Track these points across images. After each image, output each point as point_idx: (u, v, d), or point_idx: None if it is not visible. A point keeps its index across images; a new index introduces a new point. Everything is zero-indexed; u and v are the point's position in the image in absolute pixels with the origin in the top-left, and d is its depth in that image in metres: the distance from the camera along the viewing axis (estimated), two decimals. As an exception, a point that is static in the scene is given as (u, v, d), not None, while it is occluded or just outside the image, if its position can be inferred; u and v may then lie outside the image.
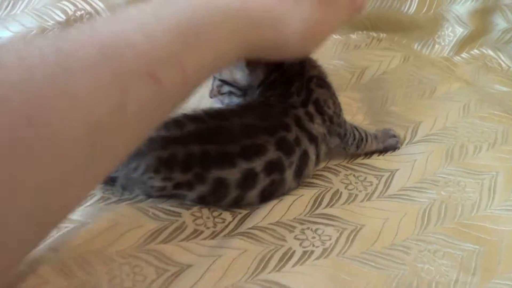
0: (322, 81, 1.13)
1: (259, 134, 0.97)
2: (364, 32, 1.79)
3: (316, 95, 1.08)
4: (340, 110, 1.14)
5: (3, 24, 1.52)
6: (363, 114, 1.38)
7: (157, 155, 0.93)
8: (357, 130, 1.18)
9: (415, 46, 1.81)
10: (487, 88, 1.62)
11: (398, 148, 1.23)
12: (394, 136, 1.24)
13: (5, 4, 1.54)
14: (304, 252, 0.91)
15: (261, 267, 0.87)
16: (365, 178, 1.14)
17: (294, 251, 0.91)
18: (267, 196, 1.00)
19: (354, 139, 1.16)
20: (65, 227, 0.89)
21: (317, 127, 1.05)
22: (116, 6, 1.59)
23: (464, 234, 1.00)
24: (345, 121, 1.15)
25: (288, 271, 0.87)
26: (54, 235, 0.87)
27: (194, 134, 0.95)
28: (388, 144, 1.22)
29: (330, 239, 0.95)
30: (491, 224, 1.03)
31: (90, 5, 1.58)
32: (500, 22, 1.85)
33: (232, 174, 0.94)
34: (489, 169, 1.17)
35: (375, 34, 1.79)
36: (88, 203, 0.96)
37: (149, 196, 0.98)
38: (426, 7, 1.80)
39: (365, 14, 1.73)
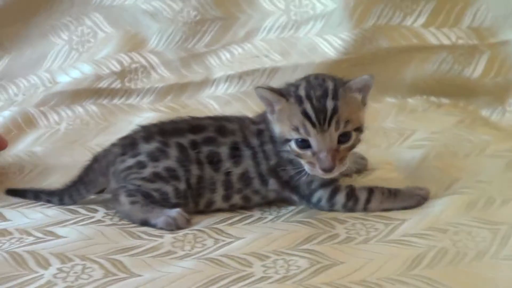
0: None
1: None
2: (424, 96, 1.71)
3: None
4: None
5: (64, 71, 1.66)
6: (401, 169, 1.33)
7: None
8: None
9: (483, 113, 1.67)
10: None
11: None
12: (419, 195, 1.15)
13: (72, 54, 1.68)
14: (263, 277, 0.93)
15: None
16: (373, 225, 1.08)
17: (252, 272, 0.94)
18: None
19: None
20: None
21: None
22: (170, 62, 1.67)
23: (454, 279, 0.88)
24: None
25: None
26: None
27: None
28: (407, 204, 1.14)
29: (297, 269, 0.94)
30: (490, 272, 0.90)
31: (145, 59, 1.67)
32: None
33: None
34: (509, 219, 1.04)
35: (435, 99, 1.70)
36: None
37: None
38: (493, 72, 1.68)
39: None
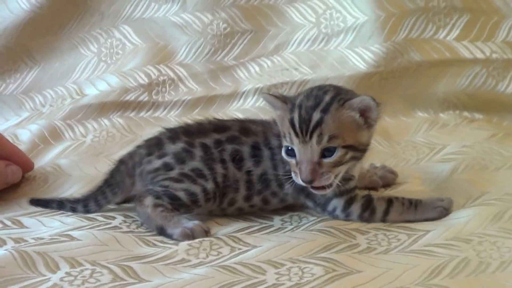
0: None
1: None
2: (457, 112, 1.66)
3: None
4: None
5: (92, 82, 1.67)
6: (429, 182, 1.30)
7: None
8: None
9: (518, 129, 1.62)
10: None
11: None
12: (441, 206, 1.12)
13: (100, 66, 1.69)
14: (275, 284, 0.92)
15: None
16: (395, 236, 1.06)
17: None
18: None
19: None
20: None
21: None
22: (199, 74, 1.67)
23: None
24: None
25: None
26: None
27: None
28: (428, 216, 1.11)
29: (311, 276, 0.92)
30: None
31: (173, 71, 1.67)
32: None
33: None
34: None
35: (468, 114, 1.66)
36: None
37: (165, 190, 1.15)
38: (528, 87, 1.63)
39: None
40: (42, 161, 1.50)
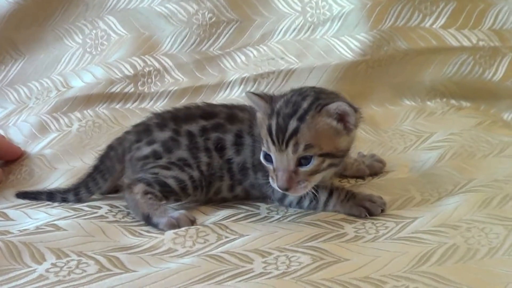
0: None
1: None
2: (444, 100, 1.65)
3: None
4: None
5: (77, 74, 1.64)
6: (416, 170, 1.30)
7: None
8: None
9: (505, 117, 1.61)
10: None
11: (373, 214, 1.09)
12: (365, 207, 1.09)
13: (85, 57, 1.66)
14: (262, 273, 0.90)
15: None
16: (383, 224, 1.04)
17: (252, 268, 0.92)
18: None
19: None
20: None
21: None
22: (185, 65, 1.65)
23: (463, 276, 0.84)
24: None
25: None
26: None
27: None
28: (353, 212, 1.09)
29: (298, 265, 0.91)
30: (502, 268, 0.86)
31: (159, 62, 1.65)
32: None
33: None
34: None
35: (455, 102, 1.65)
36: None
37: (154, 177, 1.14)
38: (516, 74, 1.62)
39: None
40: (29, 153, 1.48)
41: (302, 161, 1.02)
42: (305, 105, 1.03)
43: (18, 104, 1.66)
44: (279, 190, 1.05)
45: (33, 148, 1.50)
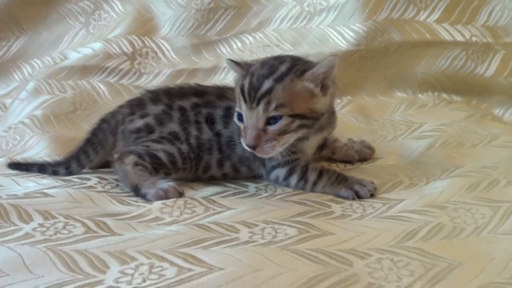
0: None
1: None
2: (435, 93, 1.64)
3: None
4: None
5: (78, 51, 1.63)
6: (405, 157, 1.28)
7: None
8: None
9: (496, 112, 1.60)
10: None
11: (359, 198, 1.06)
12: (354, 190, 1.07)
13: (88, 38, 1.66)
14: (247, 241, 0.88)
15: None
16: (371, 204, 1.02)
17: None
18: None
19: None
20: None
21: None
22: (181, 48, 1.64)
23: (447, 251, 0.82)
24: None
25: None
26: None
27: None
28: (341, 194, 1.07)
29: (285, 236, 0.89)
30: (487, 245, 0.84)
31: (157, 44, 1.64)
32: None
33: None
34: None
35: (446, 96, 1.64)
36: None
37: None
38: (508, 71, 1.60)
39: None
40: (21, 114, 1.47)
41: (271, 120, 1.01)
42: (283, 68, 1.03)
43: (20, 82, 1.65)
44: (247, 148, 1.03)
45: (24, 107, 1.48)
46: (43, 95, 1.52)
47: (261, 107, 1.00)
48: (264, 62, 1.06)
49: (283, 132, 1.02)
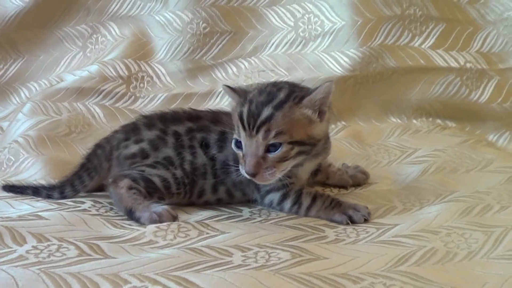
0: None
1: None
2: (430, 119, 1.65)
3: None
4: None
5: (74, 74, 1.64)
6: (398, 182, 1.28)
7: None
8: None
9: (490, 138, 1.61)
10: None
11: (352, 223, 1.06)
12: (348, 215, 1.07)
13: (85, 62, 1.68)
14: (240, 265, 0.89)
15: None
16: (364, 229, 1.03)
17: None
18: None
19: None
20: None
21: None
22: (177, 73, 1.65)
23: (440, 275, 0.83)
24: None
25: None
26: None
27: None
28: (335, 219, 1.07)
29: (278, 260, 0.89)
30: (479, 270, 0.84)
31: (153, 69, 1.65)
32: None
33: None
34: (506, 223, 0.98)
35: (441, 122, 1.65)
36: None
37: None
38: (501, 97, 1.62)
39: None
40: (15, 134, 1.47)
41: (270, 148, 1.02)
42: (281, 95, 1.04)
43: (18, 105, 1.66)
44: (247, 176, 1.03)
45: (19, 127, 1.48)
46: (39, 115, 1.52)
47: (260, 135, 1.01)
48: (262, 89, 1.06)
49: (282, 159, 1.02)
